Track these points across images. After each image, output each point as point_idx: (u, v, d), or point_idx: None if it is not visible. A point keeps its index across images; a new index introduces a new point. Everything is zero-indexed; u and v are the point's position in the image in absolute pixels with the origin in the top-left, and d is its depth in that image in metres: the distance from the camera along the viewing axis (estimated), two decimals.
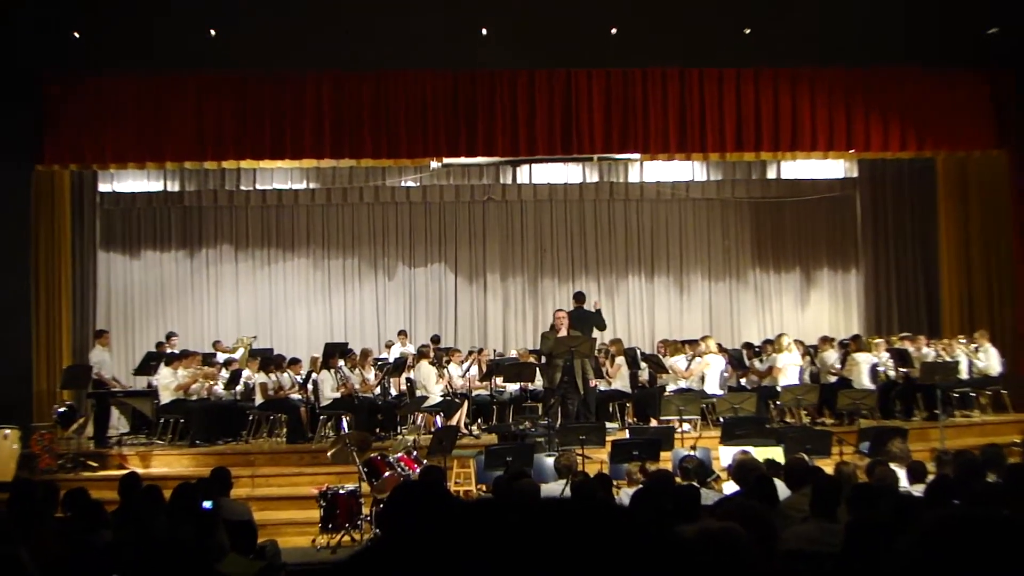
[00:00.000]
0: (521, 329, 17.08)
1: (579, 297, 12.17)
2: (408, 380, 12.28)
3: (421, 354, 12.26)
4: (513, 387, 12.63)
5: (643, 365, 12.58)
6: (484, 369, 12.68)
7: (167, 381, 11.49)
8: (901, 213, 15.66)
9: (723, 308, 17.19)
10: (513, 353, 14.36)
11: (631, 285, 17.28)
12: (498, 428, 10.88)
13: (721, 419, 10.31)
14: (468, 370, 12.76)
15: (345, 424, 11.27)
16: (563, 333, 10.60)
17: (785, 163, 14.74)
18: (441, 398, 11.60)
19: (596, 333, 11.90)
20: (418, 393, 11.69)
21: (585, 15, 10.79)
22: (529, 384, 12.18)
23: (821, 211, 16.99)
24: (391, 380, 12.60)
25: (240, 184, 14.87)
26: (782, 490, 5.71)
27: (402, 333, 15.60)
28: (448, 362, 12.78)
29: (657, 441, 8.47)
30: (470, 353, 13.90)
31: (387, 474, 7.99)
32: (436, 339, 15.31)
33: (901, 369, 11.92)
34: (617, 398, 12.28)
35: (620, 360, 12.33)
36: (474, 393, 12.52)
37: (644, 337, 16.89)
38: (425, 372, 11.74)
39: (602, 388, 12.19)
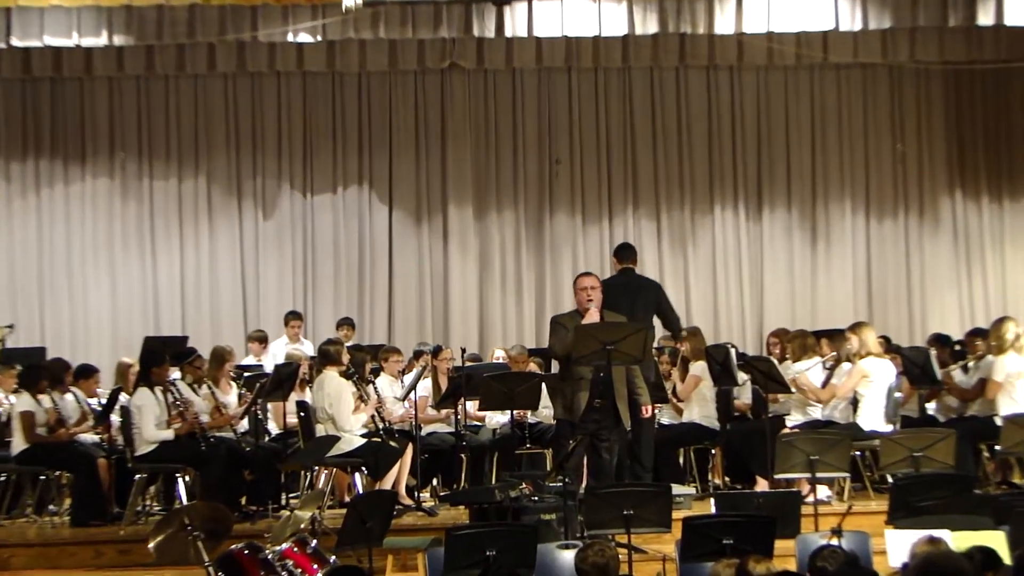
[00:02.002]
0: (512, 311, 17.28)
1: (625, 252, 12.33)
2: (301, 406, 12.25)
3: (326, 357, 12.22)
4: (498, 419, 12.67)
5: (742, 377, 12.40)
6: (444, 386, 12.72)
7: None
8: None
9: (893, 270, 17.58)
10: (499, 356, 14.39)
11: (720, 227, 17.50)
12: (471, 495, 11.05)
13: (890, 478, 10.36)
14: (413, 387, 12.68)
15: (182, 488, 11.35)
16: (592, 318, 10.61)
17: None
18: (363, 439, 11.67)
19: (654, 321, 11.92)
20: (320, 430, 11.77)
21: None
22: (528, 414, 12.30)
23: None
24: (269, 406, 12.68)
25: None
26: None
27: (292, 319, 15.69)
28: (377, 372, 12.82)
29: (769, 521, 8.46)
30: (418, 355, 13.87)
31: None
32: (345, 324, 15.49)
33: None
34: (694, 439, 12.46)
35: (699, 368, 12.41)
36: (426, 430, 12.59)
37: (744, 324, 17.29)
38: (333, 390, 11.81)
39: (666, 421, 12.35)
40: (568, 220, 17.54)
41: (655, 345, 12.27)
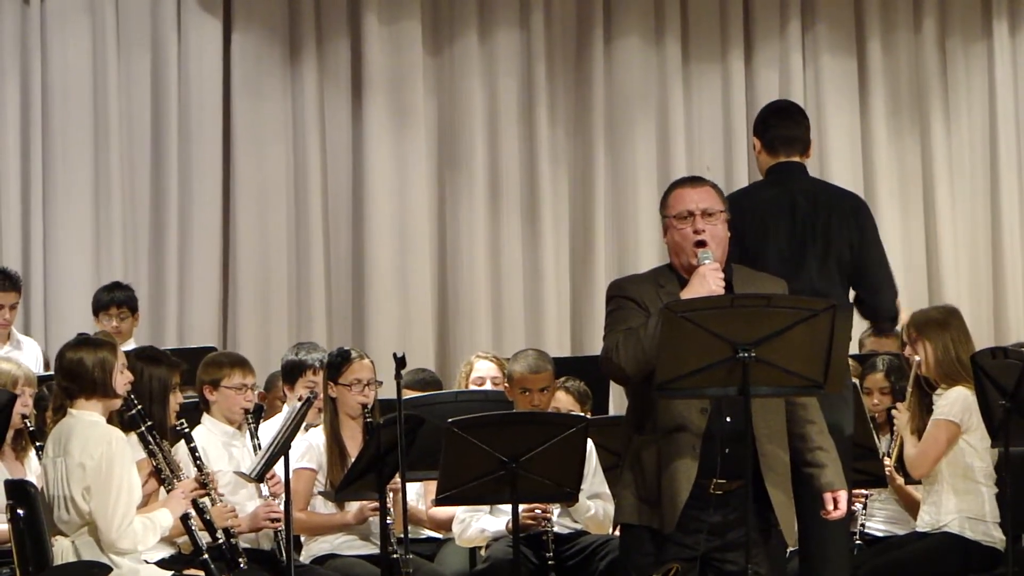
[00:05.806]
0: (515, 262, 13.04)
1: (785, 126, 9.12)
2: (18, 492, 9.48)
3: (76, 378, 8.91)
4: (483, 524, 9.82)
5: None
6: (355, 446, 9.55)
7: None
8: None
9: None
10: (482, 374, 10.95)
11: (1003, 68, 13.29)
12: None
13: None
14: (284, 450, 9.17)
15: None
16: (708, 286, 7.37)
17: None
18: (166, 575, 8.85)
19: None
20: (62, 548, 9.11)
21: None
22: (554, 512, 9.54)
23: None
24: None
25: None
26: None
27: None
28: (197, 412, 9.96)
29: None
30: (292, 373, 10.43)
31: None
32: (114, 305, 12.14)
33: None
34: (946, 571, 9.67)
35: (956, 404, 9.86)
36: (313, 551, 9.87)
37: None
38: (95, 459, 8.82)
39: (879, 528, 10.11)
40: (646, 50, 12.52)
41: (855, 351, 9.75)
